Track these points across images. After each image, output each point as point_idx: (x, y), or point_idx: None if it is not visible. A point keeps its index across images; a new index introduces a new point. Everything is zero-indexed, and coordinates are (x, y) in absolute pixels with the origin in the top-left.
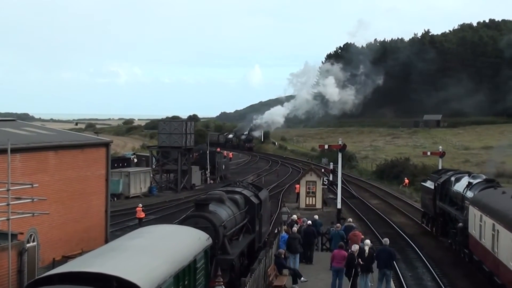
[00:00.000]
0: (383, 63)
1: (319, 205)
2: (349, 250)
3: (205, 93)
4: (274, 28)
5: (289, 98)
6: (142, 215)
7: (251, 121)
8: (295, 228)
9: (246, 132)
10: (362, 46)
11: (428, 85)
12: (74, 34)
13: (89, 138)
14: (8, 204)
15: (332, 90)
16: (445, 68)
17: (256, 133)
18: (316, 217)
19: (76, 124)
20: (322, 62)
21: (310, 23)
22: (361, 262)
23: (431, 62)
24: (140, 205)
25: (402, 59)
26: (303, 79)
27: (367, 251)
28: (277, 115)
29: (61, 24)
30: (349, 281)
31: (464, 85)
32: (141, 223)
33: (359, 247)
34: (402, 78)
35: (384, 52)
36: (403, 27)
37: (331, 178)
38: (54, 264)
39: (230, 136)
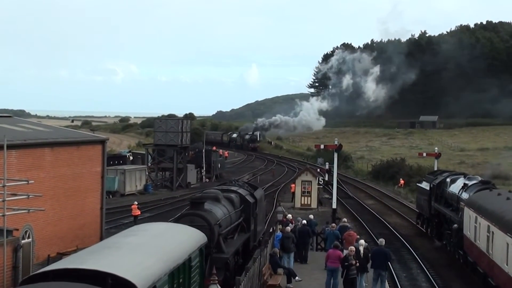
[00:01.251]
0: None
1: (314, 204)
2: (346, 253)
3: (201, 92)
4: (272, 27)
5: (305, 96)
6: (138, 212)
7: (271, 118)
8: (288, 228)
9: (250, 132)
10: (358, 46)
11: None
12: (72, 32)
13: (85, 135)
14: (3, 200)
15: (370, 84)
16: (487, 67)
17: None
18: (311, 216)
19: (72, 121)
20: (319, 62)
21: (308, 23)
22: (357, 263)
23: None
24: (136, 202)
25: (442, 54)
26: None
27: (362, 251)
28: (314, 114)
29: (60, 22)
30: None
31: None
32: (137, 220)
33: (354, 247)
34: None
35: (421, 47)
36: (400, 28)
37: (326, 178)
38: (49, 260)
39: (234, 135)
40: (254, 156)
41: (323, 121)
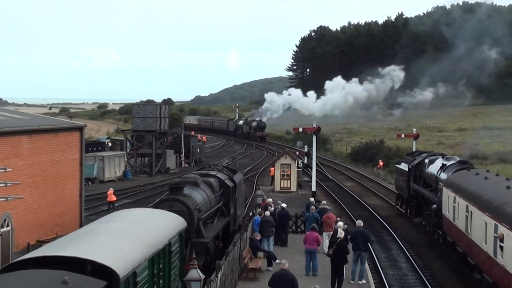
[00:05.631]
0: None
1: (293, 188)
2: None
3: (180, 77)
4: (252, 11)
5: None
6: (114, 198)
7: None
8: (267, 212)
9: (258, 118)
10: (336, 29)
11: None
12: (51, 18)
13: (63, 122)
14: None
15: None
16: None
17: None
18: (312, 199)
19: (50, 108)
20: (296, 46)
21: (287, 6)
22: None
23: None
24: (111, 189)
25: None
26: None
27: (342, 233)
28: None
29: (39, 7)
30: (341, 270)
31: None
32: (114, 206)
33: (334, 228)
34: None
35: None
36: (376, 10)
37: (305, 161)
38: (29, 248)
39: (241, 122)
40: (233, 140)
41: None
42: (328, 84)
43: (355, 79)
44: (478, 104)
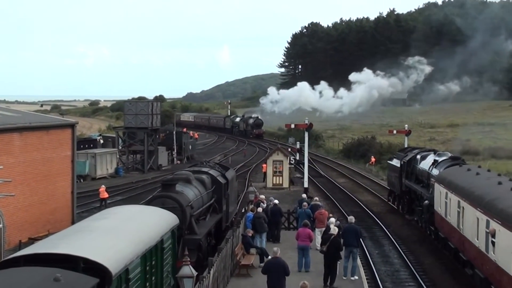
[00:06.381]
0: None
1: (286, 184)
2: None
3: (172, 74)
4: (244, 7)
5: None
6: (106, 195)
7: None
8: (260, 208)
9: (254, 115)
10: (327, 26)
11: None
12: (43, 15)
13: (55, 120)
14: None
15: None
16: None
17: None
18: (304, 196)
19: (41, 105)
20: (288, 43)
21: (280, 3)
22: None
23: None
24: (103, 186)
25: None
26: None
27: (335, 229)
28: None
29: (30, 5)
30: (335, 266)
31: None
32: (106, 203)
33: (326, 224)
34: None
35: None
36: (368, 6)
37: (298, 157)
38: (20, 246)
39: (237, 119)
40: (225, 137)
41: None
42: (353, 76)
43: (380, 72)
44: (503, 99)
